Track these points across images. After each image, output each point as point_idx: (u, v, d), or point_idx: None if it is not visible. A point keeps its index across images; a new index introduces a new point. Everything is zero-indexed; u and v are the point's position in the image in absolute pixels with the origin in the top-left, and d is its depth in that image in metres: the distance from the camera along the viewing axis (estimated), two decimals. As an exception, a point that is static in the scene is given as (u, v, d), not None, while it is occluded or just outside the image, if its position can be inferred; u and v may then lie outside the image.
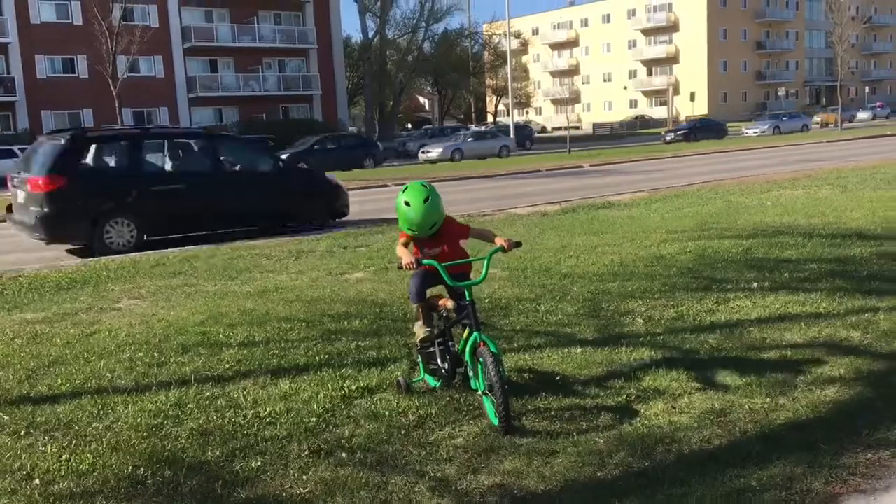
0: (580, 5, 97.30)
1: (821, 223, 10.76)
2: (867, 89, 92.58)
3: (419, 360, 4.93)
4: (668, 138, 50.58)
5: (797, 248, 8.95)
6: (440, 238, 4.59)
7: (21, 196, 12.38)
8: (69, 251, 12.54)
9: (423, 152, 41.00)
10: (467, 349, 4.45)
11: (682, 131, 51.75)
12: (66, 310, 7.70)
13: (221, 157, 13.56)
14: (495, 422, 4.18)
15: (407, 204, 4.43)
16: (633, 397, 4.58)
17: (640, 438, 4.00)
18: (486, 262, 4.52)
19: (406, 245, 4.60)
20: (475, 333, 4.36)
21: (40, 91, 43.96)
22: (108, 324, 6.98)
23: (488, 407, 4.32)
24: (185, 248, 11.71)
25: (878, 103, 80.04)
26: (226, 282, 8.88)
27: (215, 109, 50.38)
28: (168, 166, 13.29)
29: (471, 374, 4.49)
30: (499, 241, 4.54)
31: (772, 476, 3.54)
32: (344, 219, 14.49)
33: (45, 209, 11.52)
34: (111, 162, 12.99)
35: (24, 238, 12.91)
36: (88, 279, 9.39)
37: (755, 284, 7.23)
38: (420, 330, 4.81)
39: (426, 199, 4.41)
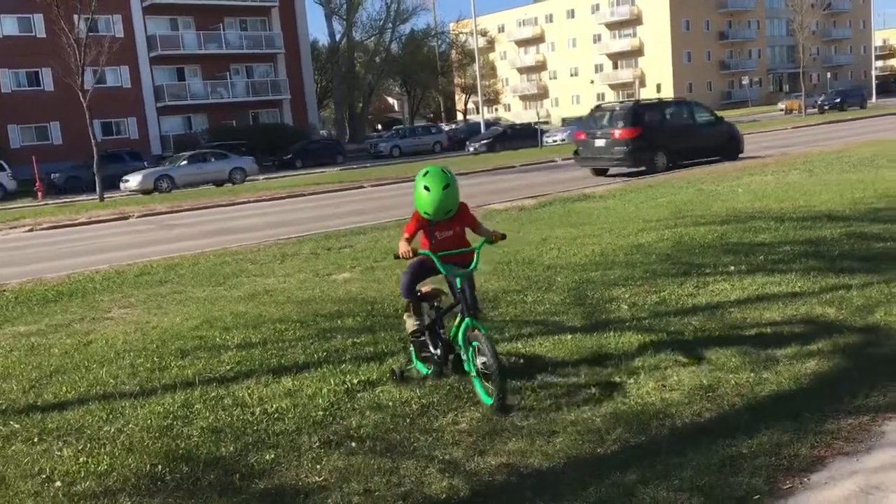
0: (544, 1, 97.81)
1: (791, 207, 11.07)
2: (829, 75, 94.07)
3: (412, 349, 5.12)
4: (471, 149, 42.36)
5: (770, 231, 9.23)
6: (453, 222, 4.75)
7: (601, 143, 20.67)
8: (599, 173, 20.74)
9: (122, 181, 31.64)
10: (459, 335, 4.66)
11: (485, 141, 42.70)
12: (58, 321, 7.76)
13: (695, 115, 22.17)
14: (488, 401, 4.40)
15: (426, 189, 4.54)
16: (624, 378, 4.79)
17: (634, 415, 4.21)
18: (476, 251, 4.71)
19: (416, 232, 4.73)
20: (466, 320, 4.57)
21: (5, 105, 43.44)
22: (103, 333, 7.07)
23: (479, 387, 4.55)
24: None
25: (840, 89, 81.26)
26: (214, 287, 8.98)
27: (184, 117, 50.02)
28: (676, 121, 21.80)
29: (464, 357, 4.70)
30: (486, 234, 4.79)
31: (761, 444, 3.76)
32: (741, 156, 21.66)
33: (630, 147, 19.96)
34: (652, 119, 21.00)
35: (579, 174, 21.60)
36: (75, 291, 9.43)
37: (732, 268, 7.48)
38: (410, 321, 5.02)
39: (445, 186, 4.53)
